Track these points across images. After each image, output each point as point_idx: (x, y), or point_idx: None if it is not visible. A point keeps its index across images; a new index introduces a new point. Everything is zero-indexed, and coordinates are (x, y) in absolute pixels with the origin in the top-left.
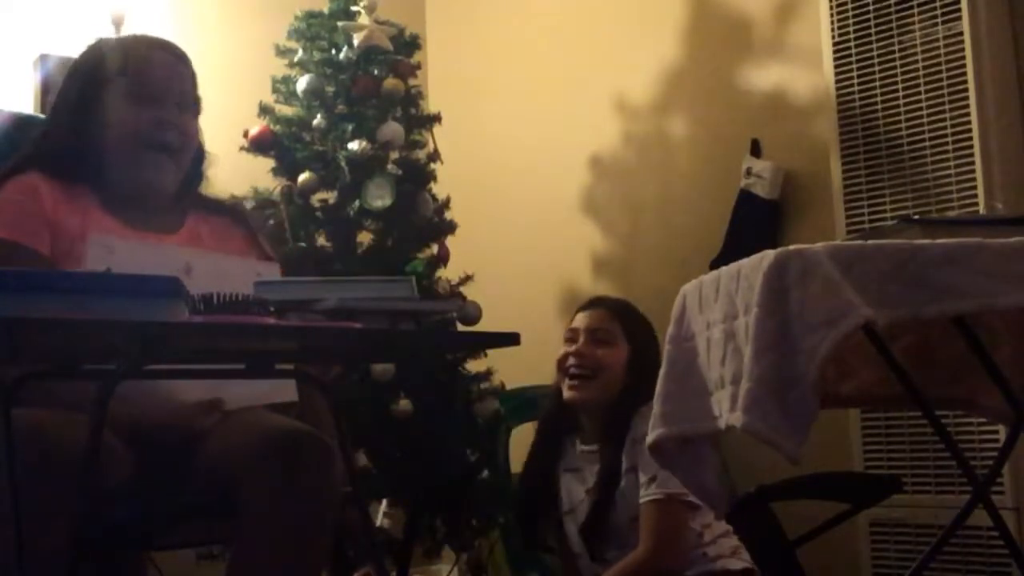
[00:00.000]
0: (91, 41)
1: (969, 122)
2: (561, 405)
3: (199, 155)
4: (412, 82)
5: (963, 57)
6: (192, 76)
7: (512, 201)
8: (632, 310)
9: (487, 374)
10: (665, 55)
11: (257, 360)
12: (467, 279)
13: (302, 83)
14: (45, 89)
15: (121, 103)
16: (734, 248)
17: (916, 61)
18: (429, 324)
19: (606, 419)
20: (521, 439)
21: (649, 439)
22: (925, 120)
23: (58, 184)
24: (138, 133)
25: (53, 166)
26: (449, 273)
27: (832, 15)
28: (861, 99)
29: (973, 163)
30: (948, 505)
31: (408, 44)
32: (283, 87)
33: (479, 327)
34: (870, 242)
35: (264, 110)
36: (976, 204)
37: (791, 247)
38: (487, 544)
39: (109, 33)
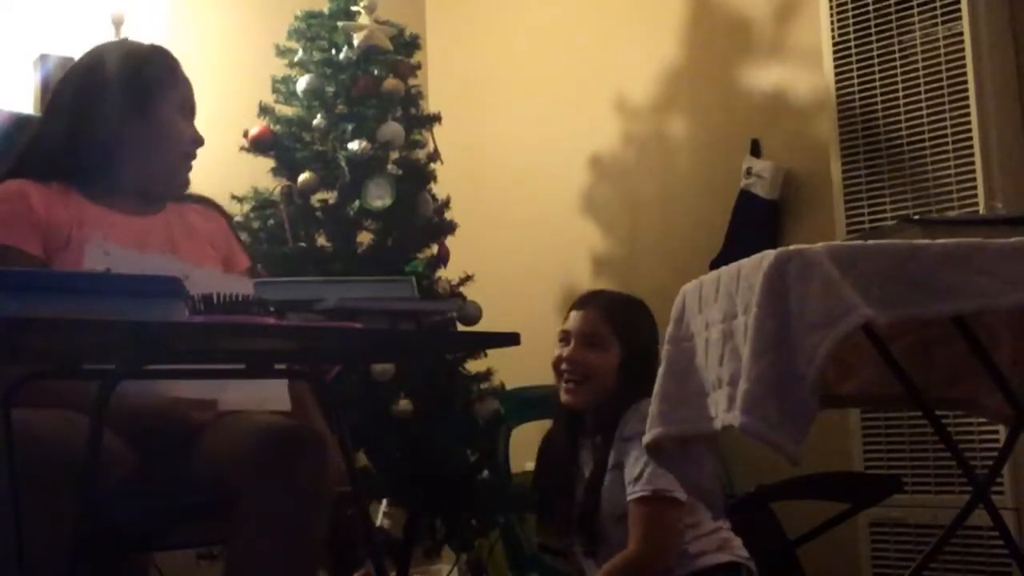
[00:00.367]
0: (95, 46)
1: (969, 122)
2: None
3: None
4: (412, 82)
5: (963, 57)
6: None
7: (512, 201)
8: (624, 308)
9: (487, 374)
10: (665, 55)
11: (257, 360)
12: (467, 279)
13: (302, 83)
14: (45, 89)
15: (175, 116)
16: (734, 248)
17: (916, 61)
18: (429, 324)
19: (600, 418)
20: (521, 439)
21: (647, 438)
22: (925, 120)
23: (48, 187)
24: (183, 145)
25: (42, 171)
26: (449, 273)
27: (832, 15)
28: (861, 99)
29: (973, 163)
30: (948, 505)
31: (408, 44)
32: (283, 87)
33: (479, 327)
34: (870, 242)
35: (264, 110)
36: (976, 204)
37: (791, 247)
38: (487, 544)
39: (109, 33)
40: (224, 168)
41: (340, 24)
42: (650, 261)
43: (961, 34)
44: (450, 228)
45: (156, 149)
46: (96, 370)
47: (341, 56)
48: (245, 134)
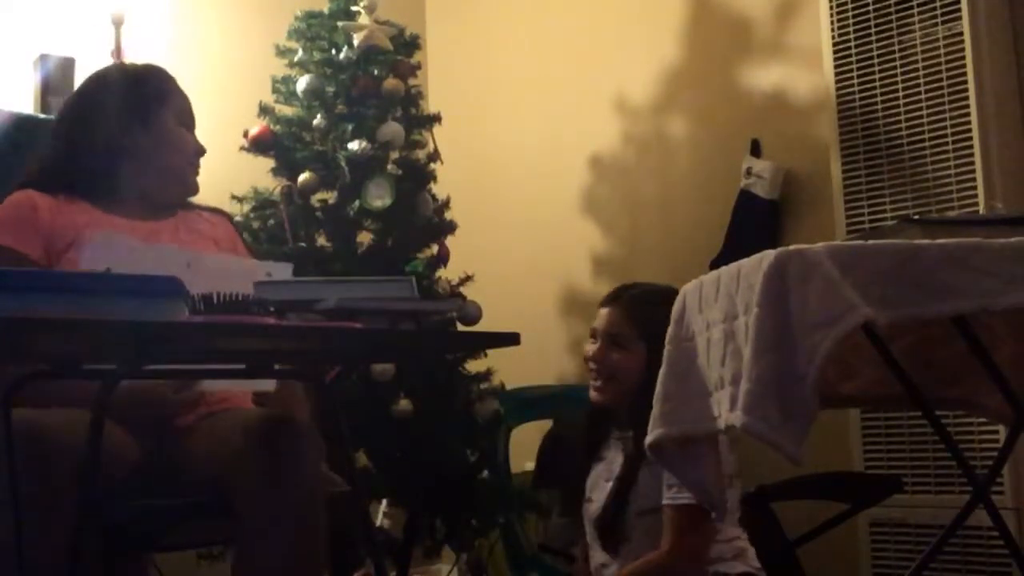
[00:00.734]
0: (94, 71)
1: (969, 122)
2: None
3: None
4: (412, 82)
5: (963, 57)
6: None
7: (512, 201)
8: (649, 306)
9: (487, 374)
10: (665, 55)
11: (257, 360)
12: (467, 279)
13: (302, 83)
14: (45, 89)
15: (175, 126)
16: (734, 248)
17: (916, 61)
18: (429, 324)
19: (633, 413)
20: (521, 439)
21: (648, 439)
22: (925, 120)
23: (55, 197)
24: (187, 155)
25: (49, 184)
26: (449, 273)
27: (832, 15)
28: (861, 99)
29: (973, 163)
30: (948, 505)
31: (408, 44)
32: (283, 87)
33: (479, 327)
34: (870, 242)
35: (264, 110)
36: (976, 204)
37: (791, 247)
38: (487, 544)
39: (109, 33)
40: (224, 168)
41: (340, 24)
42: (650, 261)
43: (961, 34)
44: (450, 228)
45: (158, 157)
46: (96, 370)
47: (341, 56)
48: (245, 134)
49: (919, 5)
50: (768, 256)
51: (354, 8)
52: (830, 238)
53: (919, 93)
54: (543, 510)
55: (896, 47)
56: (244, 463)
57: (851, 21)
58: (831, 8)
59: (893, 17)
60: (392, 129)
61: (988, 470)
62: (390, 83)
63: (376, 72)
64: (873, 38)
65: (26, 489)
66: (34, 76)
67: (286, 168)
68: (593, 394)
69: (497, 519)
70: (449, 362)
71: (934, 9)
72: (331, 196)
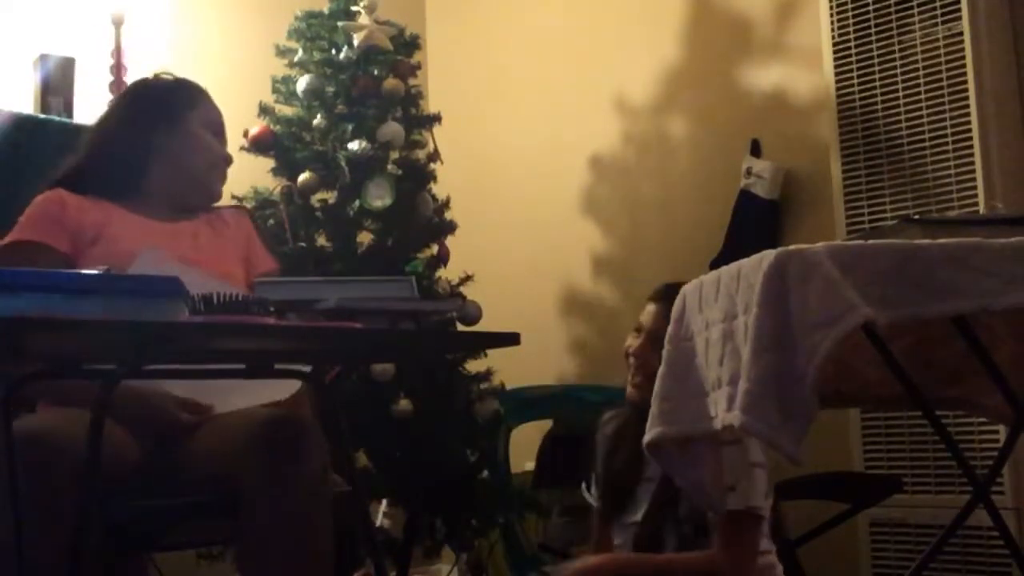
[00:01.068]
0: (135, 81)
1: (969, 122)
2: None
3: None
4: (412, 82)
5: (963, 57)
6: None
7: (512, 201)
8: None
9: (487, 374)
10: (665, 55)
11: (257, 360)
12: (467, 279)
13: (302, 83)
14: (45, 89)
15: (201, 130)
16: (734, 248)
17: (916, 61)
18: (429, 324)
19: None
20: (521, 439)
21: (647, 438)
22: (925, 120)
23: (82, 196)
24: (212, 158)
25: (77, 184)
26: (449, 273)
27: (832, 15)
28: (861, 99)
29: (973, 163)
30: (948, 505)
31: (408, 44)
32: (283, 87)
33: (479, 327)
34: (870, 242)
35: (264, 110)
36: (976, 204)
37: (791, 247)
38: (487, 544)
39: (109, 33)
40: None
41: (340, 24)
42: (650, 261)
43: (961, 34)
44: (450, 228)
45: (184, 160)
46: (96, 370)
47: (341, 56)
48: (245, 134)
49: (919, 5)
50: (768, 256)
51: (354, 8)
52: (830, 238)
53: (919, 93)
54: (543, 510)
55: (896, 47)
56: (248, 461)
57: (851, 21)
58: (831, 8)
59: (893, 17)
60: (392, 129)
61: (988, 470)
62: (390, 83)
63: (376, 72)
64: (873, 38)
65: (26, 489)
66: (34, 76)
67: (286, 168)
68: (631, 391)
69: (497, 519)
70: (449, 362)
71: (934, 9)
72: (331, 196)
